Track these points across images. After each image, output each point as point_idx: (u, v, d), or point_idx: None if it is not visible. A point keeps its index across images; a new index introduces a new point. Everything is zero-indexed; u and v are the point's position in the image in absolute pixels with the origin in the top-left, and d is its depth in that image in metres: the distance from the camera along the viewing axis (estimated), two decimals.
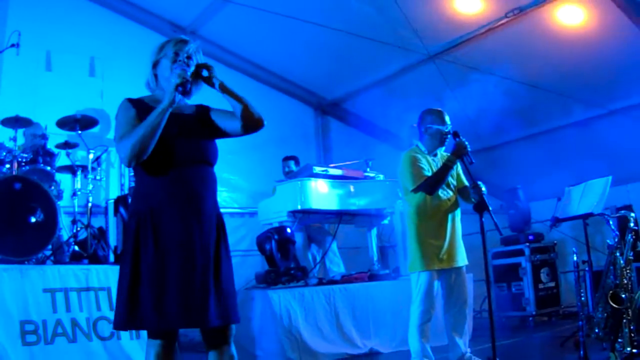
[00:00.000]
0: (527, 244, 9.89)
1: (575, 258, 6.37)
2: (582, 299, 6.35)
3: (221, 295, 3.38)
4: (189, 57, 3.62)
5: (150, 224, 3.36)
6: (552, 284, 9.92)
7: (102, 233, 7.81)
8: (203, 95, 3.77)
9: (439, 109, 5.77)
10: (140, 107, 3.52)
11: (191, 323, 3.31)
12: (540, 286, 9.74)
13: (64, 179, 8.12)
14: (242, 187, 10.70)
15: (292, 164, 9.63)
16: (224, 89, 3.56)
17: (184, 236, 3.36)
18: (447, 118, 5.69)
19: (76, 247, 7.33)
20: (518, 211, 10.45)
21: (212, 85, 3.59)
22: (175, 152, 3.43)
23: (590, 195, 6.82)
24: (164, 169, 3.42)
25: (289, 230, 7.75)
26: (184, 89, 3.41)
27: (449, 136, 5.63)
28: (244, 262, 9.39)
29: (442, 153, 5.74)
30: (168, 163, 3.42)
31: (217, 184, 3.62)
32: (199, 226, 3.41)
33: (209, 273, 3.37)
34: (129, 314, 3.29)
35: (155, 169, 3.44)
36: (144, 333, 6.15)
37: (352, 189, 8.49)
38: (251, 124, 3.59)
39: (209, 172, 3.56)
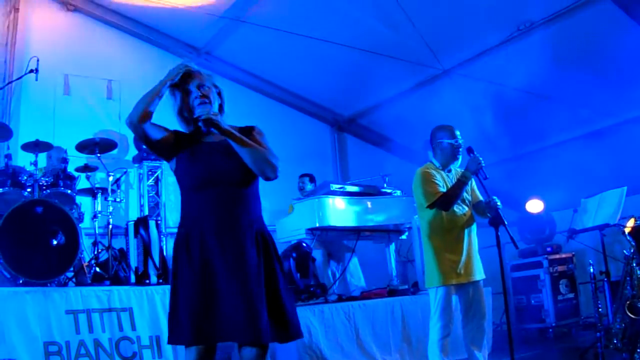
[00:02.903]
0: (545, 255, 9.85)
1: (591, 270, 6.37)
2: (600, 310, 6.35)
3: (257, 313, 3.43)
4: (200, 86, 3.80)
5: (185, 247, 3.56)
6: (572, 295, 9.88)
7: (122, 254, 7.87)
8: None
9: (449, 124, 5.79)
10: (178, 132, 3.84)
11: (224, 338, 3.46)
12: (560, 297, 9.69)
13: (84, 201, 8.22)
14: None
15: (306, 180, 9.74)
16: (225, 134, 3.67)
17: (216, 255, 3.50)
18: (457, 133, 5.71)
19: (97, 269, 7.38)
20: (540, 222, 10.43)
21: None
22: (202, 176, 3.62)
23: (606, 206, 6.83)
24: (196, 193, 3.64)
25: (304, 244, 7.80)
26: (207, 130, 3.65)
27: (460, 150, 5.65)
28: None
29: (457, 169, 5.76)
30: (199, 187, 3.62)
31: (254, 203, 3.75)
32: (233, 245, 3.53)
33: (247, 291, 3.45)
34: (170, 331, 3.53)
35: (188, 194, 3.68)
36: (166, 353, 6.25)
37: (369, 205, 8.53)
38: (257, 170, 3.68)
39: (240, 193, 3.67)
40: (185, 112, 3.82)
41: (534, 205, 10.32)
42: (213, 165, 3.64)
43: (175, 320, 3.50)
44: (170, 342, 3.56)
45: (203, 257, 3.50)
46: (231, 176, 3.64)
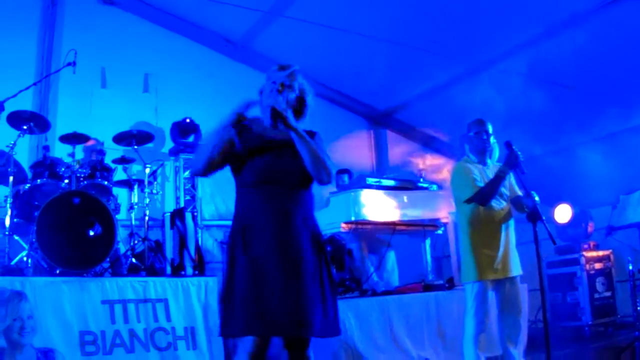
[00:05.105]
0: (582, 252, 9.71)
1: (630, 267, 6.27)
2: (638, 308, 6.26)
3: (311, 309, 3.51)
4: (282, 84, 3.81)
5: (241, 241, 3.59)
6: (609, 294, 9.71)
7: (158, 246, 7.90)
8: None
9: (481, 118, 5.76)
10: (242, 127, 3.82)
11: (275, 332, 3.51)
12: (596, 295, 9.53)
13: (121, 193, 8.27)
14: None
15: (345, 178, 9.64)
16: (291, 129, 3.66)
17: (274, 250, 3.53)
18: (487, 124, 5.68)
19: (134, 260, 7.42)
20: (577, 219, 10.31)
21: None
22: (262, 173, 3.66)
23: None
24: (254, 188, 3.68)
25: (338, 237, 7.77)
26: (274, 122, 3.60)
27: (485, 139, 5.61)
28: None
29: (495, 163, 5.72)
30: (258, 183, 3.66)
31: (309, 204, 3.80)
32: (290, 241, 3.58)
33: (303, 287, 3.51)
34: (223, 322, 3.59)
35: (246, 189, 3.72)
36: (200, 344, 6.27)
37: (405, 199, 8.47)
38: (314, 172, 3.68)
39: (297, 193, 3.73)
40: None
41: (562, 213, 10.19)
42: (275, 163, 3.69)
43: (229, 312, 3.53)
44: (222, 334, 3.61)
45: (260, 250, 3.53)
46: (291, 176, 3.69)
